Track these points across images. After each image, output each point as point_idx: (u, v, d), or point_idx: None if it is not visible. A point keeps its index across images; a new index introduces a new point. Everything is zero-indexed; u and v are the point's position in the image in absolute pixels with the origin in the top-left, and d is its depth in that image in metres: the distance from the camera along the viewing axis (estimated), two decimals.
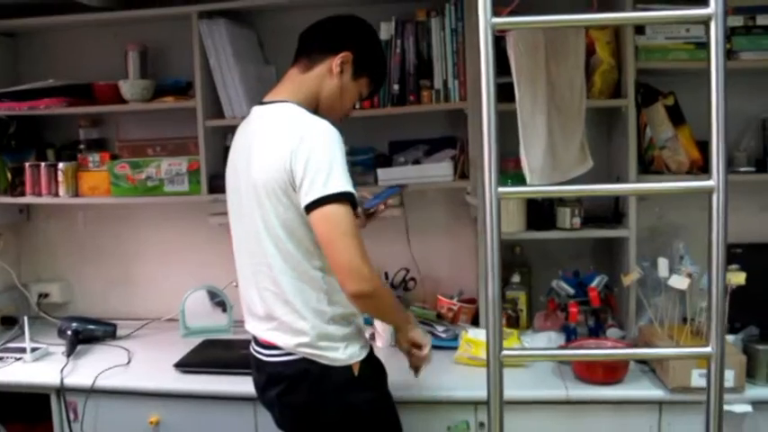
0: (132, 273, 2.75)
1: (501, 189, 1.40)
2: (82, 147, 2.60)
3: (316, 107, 1.68)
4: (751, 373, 1.89)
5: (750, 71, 2.19)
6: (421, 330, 1.78)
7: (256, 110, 1.70)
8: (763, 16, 2.13)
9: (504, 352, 1.44)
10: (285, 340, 1.60)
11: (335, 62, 1.66)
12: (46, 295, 2.76)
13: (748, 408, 1.85)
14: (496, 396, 1.45)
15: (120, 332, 2.53)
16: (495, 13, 2.33)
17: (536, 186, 1.81)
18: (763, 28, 2.14)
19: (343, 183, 1.51)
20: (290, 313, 1.58)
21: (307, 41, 1.72)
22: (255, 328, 1.68)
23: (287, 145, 1.52)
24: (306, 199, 1.51)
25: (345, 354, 1.59)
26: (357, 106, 1.97)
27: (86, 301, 2.75)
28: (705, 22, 1.34)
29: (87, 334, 2.44)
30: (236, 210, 1.70)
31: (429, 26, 2.25)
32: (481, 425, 1.93)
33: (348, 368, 1.59)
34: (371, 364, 1.68)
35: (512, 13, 1.87)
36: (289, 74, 1.72)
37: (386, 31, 2.26)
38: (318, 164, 1.50)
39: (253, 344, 1.72)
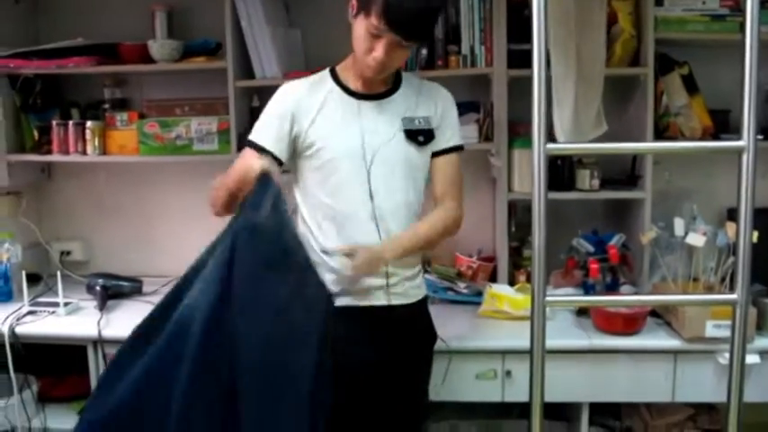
0: (154, 231, 2.80)
1: (549, 146, 1.50)
2: (106, 106, 2.62)
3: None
4: (760, 326, 2.04)
5: (764, 45, 2.31)
6: None
7: None
8: None
9: (548, 298, 1.54)
10: None
11: (349, 9, 1.66)
12: (68, 253, 2.80)
13: (757, 358, 1.99)
14: (539, 341, 1.55)
15: (145, 289, 2.58)
16: None
17: (581, 144, 1.90)
18: None
19: (253, 131, 1.76)
20: None
21: None
22: None
23: None
24: None
25: None
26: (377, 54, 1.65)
27: (107, 260, 2.78)
28: None
29: (115, 290, 2.50)
30: None
31: None
32: (508, 372, 2.05)
33: None
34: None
35: None
36: None
37: None
38: None
39: None
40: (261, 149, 1.70)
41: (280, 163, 1.70)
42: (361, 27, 1.62)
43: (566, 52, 1.95)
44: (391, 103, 1.77)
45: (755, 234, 1.97)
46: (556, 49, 1.98)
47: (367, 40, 1.62)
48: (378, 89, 1.77)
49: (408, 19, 1.57)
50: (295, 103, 1.72)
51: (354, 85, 1.76)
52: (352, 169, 1.71)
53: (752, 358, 1.97)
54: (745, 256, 1.49)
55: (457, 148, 1.83)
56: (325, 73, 1.80)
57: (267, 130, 1.73)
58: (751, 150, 1.52)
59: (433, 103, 1.80)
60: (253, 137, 1.74)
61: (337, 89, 1.76)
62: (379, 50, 1.61)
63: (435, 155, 1.81)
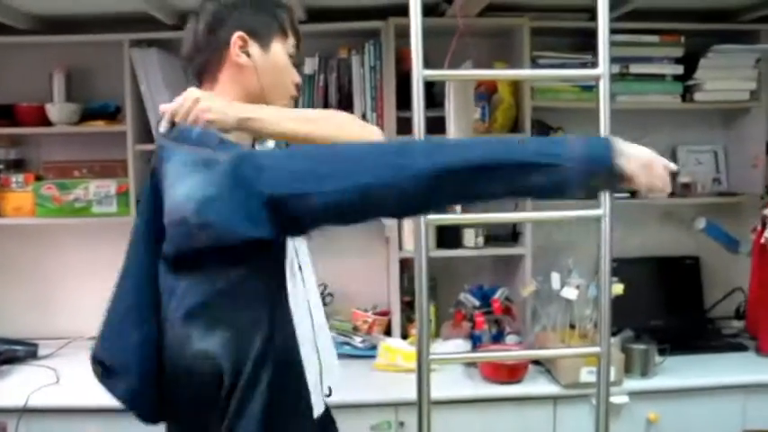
0: (50, 292, 2.75)
1: (431, 217, 1.64)
2: (1, 167, 2.60)
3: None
4: (627, 369, 2.24)
5: (624, 111, 2.58)
6: None
7: None
8: (635, 65, 2.53)
9: (432, 356, 1.67)
10: None
11: (234, 53, 1.35)
12: None
13: (626, 398, 2.18)
14: (426, 394, 1.67)
15: (40, 352, 2.54)
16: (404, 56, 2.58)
17: (459, 215, 2.06)
18: (634, 75, 2.54)
19: None
20: None
21: (192, 57, 1.44)
22: None
23: None
24: None
25: None
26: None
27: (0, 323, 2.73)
28: (595, 80, 1.65)
29: (8, 354, 2.45)
30: None
31: (350, 63, 2.46)
32: (401, 423, 2.15)
33: None
34: None
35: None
36: None
37: (310, 66, 2.46)
38: None
39: None
40: None
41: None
42: (281, 54, 1.37)
43: (459, 119, 2.11)
44: None
45: (621, 287, 2.21)
46: (457, 115, 2.12)
47: (288, 66, 1.39)
48: None
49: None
50: None
51: None
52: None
53: (621, 399, 2.16)
54: (606, 314, 1.66)
55: None
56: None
57: None
58: (607, 217, 1.71)
59: None
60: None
61: None
62: (296, 73, 1.41)
63: None
